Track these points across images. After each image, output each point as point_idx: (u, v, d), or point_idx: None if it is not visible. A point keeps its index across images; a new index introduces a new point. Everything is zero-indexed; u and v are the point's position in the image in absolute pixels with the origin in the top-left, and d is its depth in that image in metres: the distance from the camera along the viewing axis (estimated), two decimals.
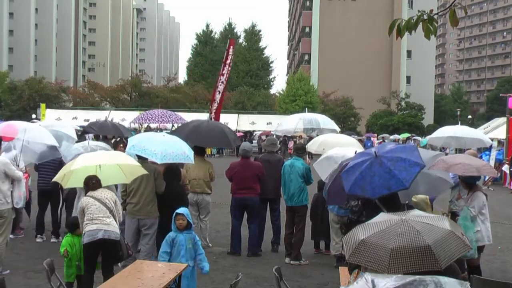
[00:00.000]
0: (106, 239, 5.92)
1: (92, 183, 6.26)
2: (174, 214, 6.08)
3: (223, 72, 19.65)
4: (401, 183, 5.69)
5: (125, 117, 36.16)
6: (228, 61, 19.96)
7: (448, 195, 7.86)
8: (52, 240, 9.32)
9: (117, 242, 6.09)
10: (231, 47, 20.21)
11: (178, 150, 7.46)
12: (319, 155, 8.95)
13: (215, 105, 18.60)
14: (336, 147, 8.90)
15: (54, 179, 6.86)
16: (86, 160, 6.64)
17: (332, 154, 8.17)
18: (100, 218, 5.97)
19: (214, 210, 10.23)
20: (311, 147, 11.06)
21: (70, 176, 6.58)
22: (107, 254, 6.07)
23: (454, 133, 11.59)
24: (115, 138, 13.55)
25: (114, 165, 6.74)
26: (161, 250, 6.01)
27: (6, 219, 7.34)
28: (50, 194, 9.49)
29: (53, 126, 10.40)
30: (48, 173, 9.19)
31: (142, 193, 7.31)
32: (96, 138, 13.70)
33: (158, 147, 7.29)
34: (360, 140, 15.79)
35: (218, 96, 18.57)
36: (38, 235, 9.46)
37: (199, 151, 9.45)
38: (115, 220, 6.13)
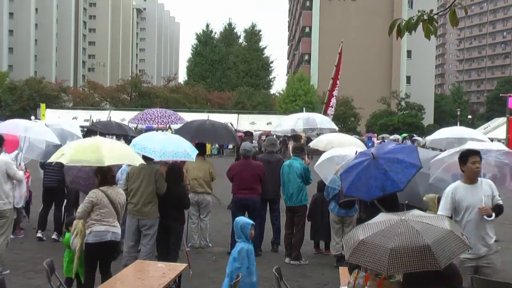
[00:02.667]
0: (113, 241, 5.95)
1: (109, 176, 6.09)
2: (246, 224, 5.72)
3: (339, 77, 20.49)
4: (396, 185, 5.72)
5: (125, 117, 36.13)
6: (340, 65, 20.87)
7: None
8: (52, 237, 9.32)
9: (119, 243, 6.14)
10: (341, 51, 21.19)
11: (178, 148, 7.50)
12: (319, 156, 8.94)
13: (332, 110, 19.19)
14: (342, 146, 8.95)
15: (52, 159, 6.29)
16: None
17: (333, 155, 8.16)
18: (109, 220, 5.96)
19: (214, 210, 10.22)
20: (318, 144, 11.11)
21: (68, 154, 5.97)
22: (108, 255, 6.06)
23: (455, 134, 11.61)
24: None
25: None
26: (241, 265, 5.48)
27: (7, 219, 7.33)
28: (55, 192, 9.51)
29: (58, 124, 10.42)
30: (54, 171, 9.19)
31: (142, 194, 7.31)
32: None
33: (158, 145, 7.34)
34: (361, 141, 15.89)
35: (333, 101, 19.56)
36: (39, 231, 9.48)
37: (199, 151, 9.47)
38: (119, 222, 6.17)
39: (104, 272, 6.00)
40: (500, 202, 5.47)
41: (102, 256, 6.01)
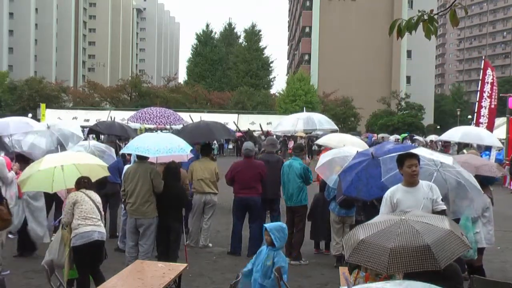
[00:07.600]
0: (99, 240, 5.96)
1: (84, 181, 6.22)
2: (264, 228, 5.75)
3: (485, 90, 21.85)
4: (395, 184, 5.69)
5: (125, 117, 36.07)
6: (486, 80, 21.84)
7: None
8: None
9: (104, 243, 6.16)
10: (488, 68, 22.13)
11: (172, 145, 7.58)
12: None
13: (484, 119, 20.84)
14: (354, 145, 9.08)
15: (18, 181, 6.88)
16: (44, 164, 6.56)
17: (334, 156, 8.16)
18: (93, 219, 5.97)
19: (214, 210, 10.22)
20: (330, 142, 11.18)
21: (27, 180, 6.54)
22: (97, 255, 6.07)
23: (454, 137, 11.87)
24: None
25: (71, 166, 6.68)
26: (253, 266, 5.57)
27: None
28: (55, 193, 9.48)
29: (60, 125, 10.42)
30: None
31: (138, 193, 7.34)
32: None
33: (152, 143, 7.41)
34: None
35: (485, 111, 21.20)
36: None
37: (205, 152, 9.51)
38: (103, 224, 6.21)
39: (95, 273, 6.01)
40: (443, 207, 5.23)
41: (91, 257, 5.99)
